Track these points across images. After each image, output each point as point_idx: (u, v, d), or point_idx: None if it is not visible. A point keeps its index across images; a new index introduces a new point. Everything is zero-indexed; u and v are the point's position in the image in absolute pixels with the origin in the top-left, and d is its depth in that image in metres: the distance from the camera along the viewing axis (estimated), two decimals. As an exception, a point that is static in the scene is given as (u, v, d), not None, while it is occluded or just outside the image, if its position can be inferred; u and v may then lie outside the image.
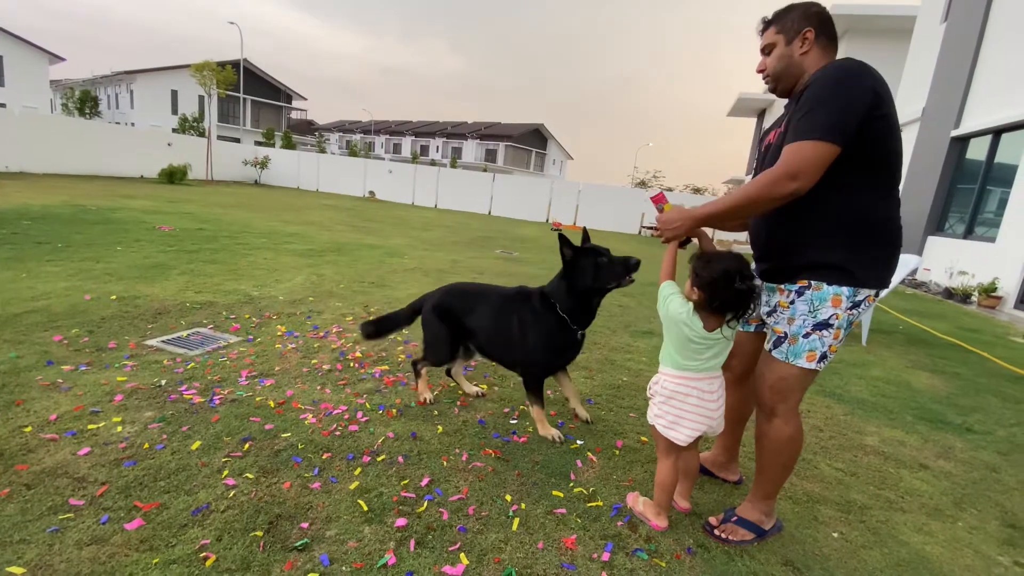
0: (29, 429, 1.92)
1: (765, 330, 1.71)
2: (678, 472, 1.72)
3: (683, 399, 1.61)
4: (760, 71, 1.68)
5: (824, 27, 1.55)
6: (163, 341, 2.92)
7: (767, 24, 1.64)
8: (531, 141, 50.62)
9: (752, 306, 1.54)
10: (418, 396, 2.52)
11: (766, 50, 1.63)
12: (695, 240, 1.74)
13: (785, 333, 1.57)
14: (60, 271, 4.18)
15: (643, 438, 2.38)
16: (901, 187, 1.57)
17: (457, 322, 2.41)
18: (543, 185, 21.77)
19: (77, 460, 1.76)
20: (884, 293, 1.60)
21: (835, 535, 1.80)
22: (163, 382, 2.41)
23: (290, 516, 1.59)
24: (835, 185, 1.43)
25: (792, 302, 1.56)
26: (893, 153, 1.46)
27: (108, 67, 37.93)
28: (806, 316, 1.52)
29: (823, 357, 1.54)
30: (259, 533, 1.50)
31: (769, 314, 1.65)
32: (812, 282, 1.52)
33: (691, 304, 1.56)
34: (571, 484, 1.94)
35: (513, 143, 47.57)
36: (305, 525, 1.56)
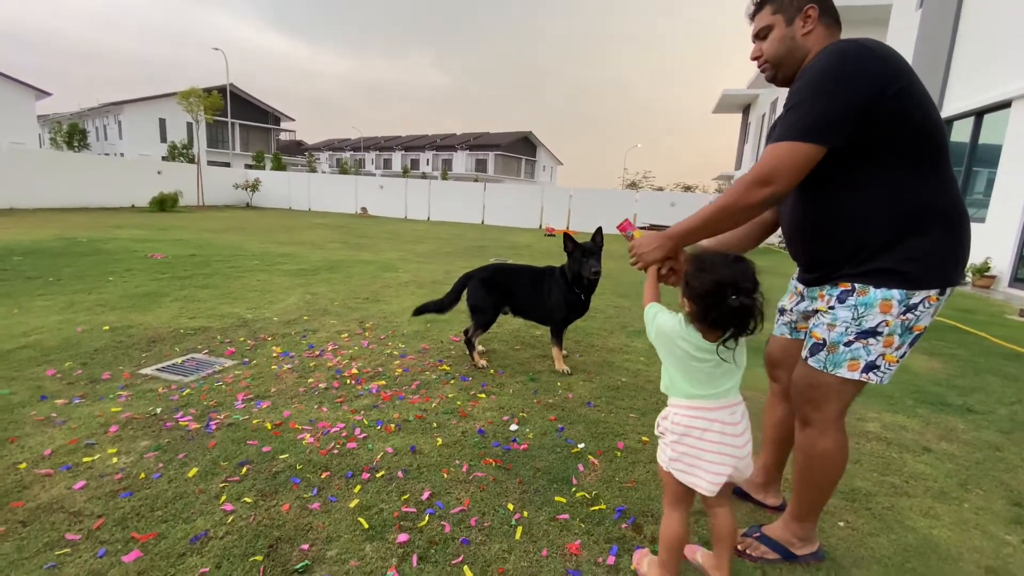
0: (24, 465, 1.89)
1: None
2: (687, 528, 1.41)
3: (701, 435, 1.30)
4: (755, 58, 1.50)
5: (826, 3, 1.41)
6: (158, 369, 2.90)
7: (760, 5, 1.48)
8: (520, 149, 50.87)
9: (752, 324, 1.24)
10: (476, 362, 3.23)
11: (761, 34, 1.47)
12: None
13: (824, 340, 1.41)
14: (52, 305, 4.15)
15: (644, 438, 2.37)
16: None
17: (502, 291, 3.28)
18: (534, 192, 21.87)
19: (73, 494, 1.74)
20: (950, 292, 1.36)
21: (841, 524, 1.79)
22: (158, 410, 2.39)
23: (290, 538, 1.57)
24: (868, 179, 1.30)
25: (832, 307, 1.39)
26: (922, 131, 1.27)
27: (95, 99, 38.04)
28: (849, 323, 1.35)
29: (871, 367, 1.37)
30: (259, 558, 1.48)
31: (806, 318, 1.57)
32: (856, 285, 1.35)
33: (681, 315, 1.33)
34: (573, 489, 1.92)
35: (502, 152, 47.77)
36: (305, 547, 1.54)
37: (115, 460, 1.96)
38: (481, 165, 47.93)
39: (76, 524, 1.60)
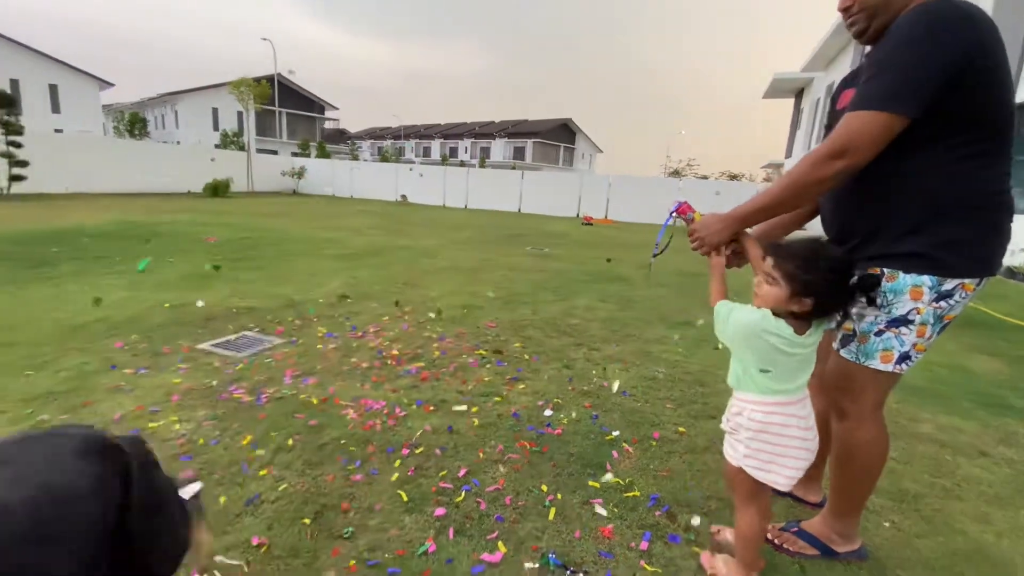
0: (98, 427, 2.06)
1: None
2: (767, 519, 1.40)
3: (780, 431, 1.26)
4: (845, 8, 1.36)
5: None
6: (213, 345, 3.09)
7: None
8: (559, 136, 50.29)
9: (876, 292, 1.27)
10: None
11: None
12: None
13: (853, 330, 1.36)
14: (118, 283, 4.46)
15: (680, 429, 2.35)
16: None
17: None
18: (572, 180, 21.63)
19: (140, 456, 1.89)
20: (986, 281, 1.31)
21: (886, 524, 1.74)
22: (214, 383, 2.55)
23: (335, 506, 1.66)
24: (914, 153, 1.23)
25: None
26: (993, 112, 1.20)
27: (154, 90, 40.03)
28: (878, 311, 1.31)
29: (904, 358, 1.31)
30: (307, 521, 1.58)
31: None
32: (884, 270, 1.30)
33: (765, 310, 1.25)
34: (607, 475, 1.94)
35: (541, 139, 47.36)
36: (349, 515, 1.62)
37: (177, 427, 2.11)
38: (519, 153, 47.71)
39: (144, 483, 1.74)
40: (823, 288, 1.19)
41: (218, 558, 1.41)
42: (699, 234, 1.49)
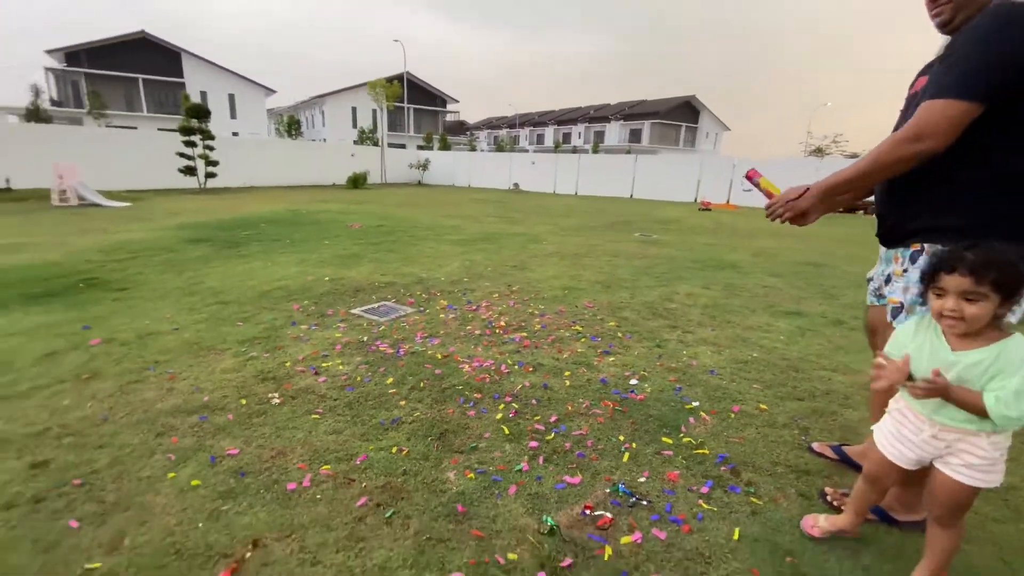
0: (288, 364, 2.81)
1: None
2: None
3: None
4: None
5: None
6: (362, 310, 3.83)
7: None
8: (680, 115, 47.69)
9: None
10: None
11: None
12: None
13: (901, 303, 1.47)
14: (290, 260, 5.55)
15: (762, 405, 2.49)
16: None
17: None
18: (691, 163, 20.64)
19: (319, 384, 2.57)
20: None
21: (961, 505, 1.78)
22: (365, 338, 3.23)
23: (453, 431, 2.16)
24: (971, 139, 1.29)
25: (906, 270, 1.45)
26: None
27: (305, 93, 45.52)
28: (920, 285, 1.35)
29: None
30: (433, 439, 2.09)
31: (887, 282, 1.61)
32: (925, 246, 1.40)
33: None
34: (681, 435, 2.19)
35: (660, 119, 45.37)
36: (464, 438, 2.11)
37: (341, 367, 2.79)
38: (635, 135, 46.22)
39: (322, 403, 2.39)
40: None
41: (374, 454, 1.97)
42: (778, 205, 1.57)
